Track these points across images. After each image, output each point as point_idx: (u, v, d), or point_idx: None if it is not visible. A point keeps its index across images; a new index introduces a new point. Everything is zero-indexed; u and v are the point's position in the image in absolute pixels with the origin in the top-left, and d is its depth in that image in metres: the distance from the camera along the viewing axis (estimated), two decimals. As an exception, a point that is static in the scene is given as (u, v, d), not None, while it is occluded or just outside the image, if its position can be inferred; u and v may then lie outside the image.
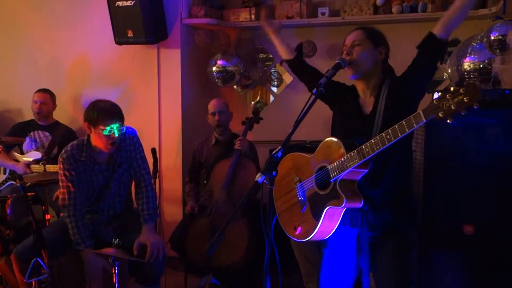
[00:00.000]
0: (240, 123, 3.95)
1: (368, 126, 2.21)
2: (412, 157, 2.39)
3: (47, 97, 4.32)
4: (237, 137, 3.82)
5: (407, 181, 2.32)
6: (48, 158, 4.02)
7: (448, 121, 1.81)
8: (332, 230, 2.19)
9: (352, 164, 2.07)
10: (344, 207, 2.12)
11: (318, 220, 2.16)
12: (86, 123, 2.85)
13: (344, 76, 2.34)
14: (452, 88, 1.81)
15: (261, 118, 3.96)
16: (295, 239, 2.29)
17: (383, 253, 2.21)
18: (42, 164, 3.84)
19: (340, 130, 2.31)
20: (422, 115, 1.87)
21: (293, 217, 2.29)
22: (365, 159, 2.04)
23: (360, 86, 2.34)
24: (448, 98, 1.79)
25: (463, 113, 1.78)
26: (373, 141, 2.01)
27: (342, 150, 2.12)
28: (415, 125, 1.91)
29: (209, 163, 3.85)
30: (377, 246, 2.23)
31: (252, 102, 4.93)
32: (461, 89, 1.77)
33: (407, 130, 1.93)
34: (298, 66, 2.61)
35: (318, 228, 2.16)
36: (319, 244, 2.40)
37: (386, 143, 1.98)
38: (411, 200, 2.32)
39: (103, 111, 2.80)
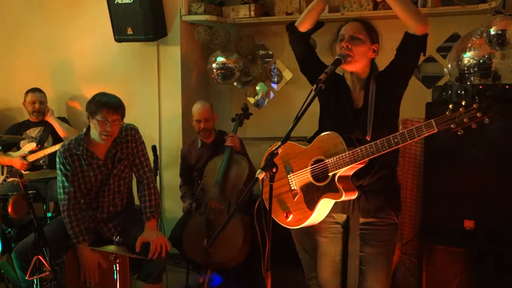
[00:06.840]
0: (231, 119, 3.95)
1: (362, 121, 2.24)
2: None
3: (42, 96, 4.40)
4: (224, 134, 3.84)
5: (394, 168, 2.38)
6: (42, 147, 4.06)
7: (458, 133, 1.88)
8: (322, 218, 2.27)
9: (355, 160, 2.11)
10: (342, 200, 2.18)
11: (312, 209, 2.22)
12: (86, 113, 2.89)
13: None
14: (464, 102, 1.86)
15: (251, 114, 3.97)
16: (285, 226, 2.35)
17: (373, 238, 2.28)
18: (38, 148, 3.95)
19: (332, 122, 2.32)
20: (434, 125, 1.93)
21: (284, 204, 2.34)
22: (369, 157, 2.09)
23: (350, 78, 2.36)
24: (461, 112, 1.86)
25: (474, 127, 1.86)
26: (379, 142, 2.06)
27: (343, 145, 2.15)
28: (425, 133, 1.96)
29: (200, 165, 3.86)
30: (367, 231, 2.29)
31: (249, 98, 4.92)
32: (474, 105, 1.84)
33: (416, 136, 1.98)
34: (300, 40, 2.49)
35: (312, 218, 2.23)
36: (312, 233, 2.44)
37: (393, 146, 2.04)
38: (397, 185, 2.40)
39: (102, 103, 2.81)
